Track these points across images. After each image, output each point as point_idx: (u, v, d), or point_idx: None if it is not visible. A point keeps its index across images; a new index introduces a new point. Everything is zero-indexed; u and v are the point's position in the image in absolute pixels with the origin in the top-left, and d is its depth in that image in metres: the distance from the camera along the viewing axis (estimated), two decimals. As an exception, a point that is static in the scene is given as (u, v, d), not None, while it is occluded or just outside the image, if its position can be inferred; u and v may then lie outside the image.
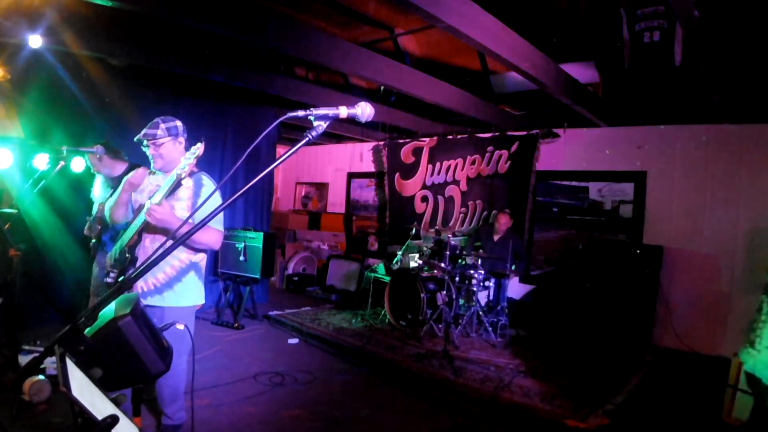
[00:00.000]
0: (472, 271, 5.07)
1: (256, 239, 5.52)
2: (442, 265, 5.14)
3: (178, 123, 2.54)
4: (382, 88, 5.52)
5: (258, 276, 5.50)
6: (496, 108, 5.60)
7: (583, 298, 5.29)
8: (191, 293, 2.60)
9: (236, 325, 5.24)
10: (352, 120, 1.26)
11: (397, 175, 7.44)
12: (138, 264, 2.44)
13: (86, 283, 3.90)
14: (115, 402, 1.13)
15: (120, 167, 3.60)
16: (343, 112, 1.23)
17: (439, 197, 6.98)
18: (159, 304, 2.51)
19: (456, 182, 6.78)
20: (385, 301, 5.45)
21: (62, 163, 3.66)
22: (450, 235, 5.31)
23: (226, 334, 4.99)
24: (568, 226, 5.88)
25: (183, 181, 2.41)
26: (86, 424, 0.87)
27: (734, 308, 4.75)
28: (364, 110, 1.26)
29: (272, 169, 1.31)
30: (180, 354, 2.66)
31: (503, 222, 5.57)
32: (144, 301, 2.52)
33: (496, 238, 5.64)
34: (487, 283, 5.35)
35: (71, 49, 3.51)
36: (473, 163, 6.59)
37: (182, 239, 1.20)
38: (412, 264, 5.90)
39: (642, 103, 4.99)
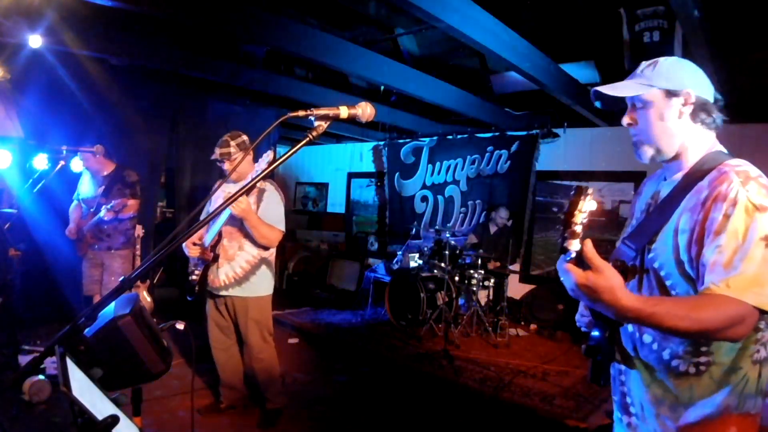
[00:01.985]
0: (472, 271, 5.07)
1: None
2: (442, 265, 5.14)
3: (245, 137, 2.96)
4: (382, 88, 5.52)
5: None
6: (496, 108, 5.60)
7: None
8: (265, 284, 2.99)
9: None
10: (352, 120, 1.25)
11: (397, 174, 7.44)
12: (220, 261, 2.89)
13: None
14: (115, 402, 1.13)
15: (109, 167, 3.85)
16: (344, 112, 1.22)
17: (439, 197, 6.98)
18: (241, 294, 2.92)
19: (456, 182, 6.78)
20: (385, 301, 5.45)
21: (62, 163, 3.67)
22: (449, 235, 5.31)
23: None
24: (568, 226, 5.88)
25: (258, 184, 2.83)
26: (86, 424, 0.87)
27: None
28: (365, 110, 1.25)
29: (272, 169, 1.31)
30: (266, 341, 3.06)
31: (503, 216, 5.75)
32: (227, 293, 2.93)
33: (492, 230, 5.71)
34: (486, 283, 5.35)
35: (71, 49, 3.51)
36: (473, 163, 6.59)
37: (181, 239, 1.20)
38: (412, 264, 5.90)
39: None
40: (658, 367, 1.23)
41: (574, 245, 1.06)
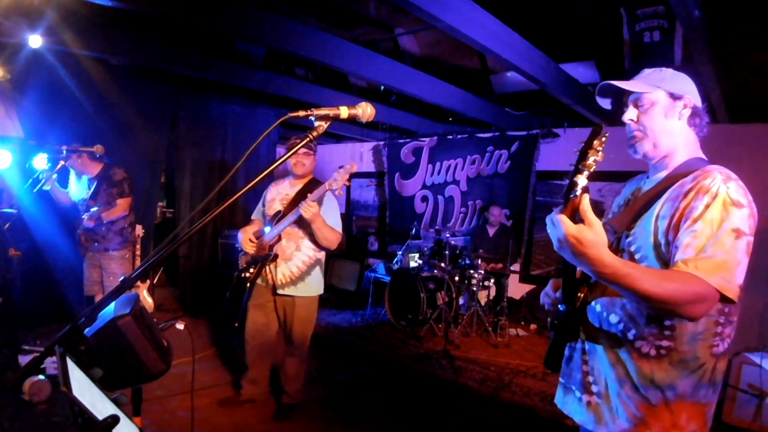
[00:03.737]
0: (472, 271, 5.07)
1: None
2: (442, 265, 5.14)
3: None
4: (382, 88, 5.52)
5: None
6: (496, 108, 5.60)
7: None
8: (317, 284, 3.11)
9: (236, 324, 5.23)
10: (352, 120, 1.25)
11: (397, 175, 7.44)
12: (271, 258, 2.96)
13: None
14: (115, 402, 1.13)
15: (96, 168, 3.77)
16: (344, 112, 1.23)
17: (439, 197, 6.99)
18: (292, 293, 3.02)
19: (456, 182, 6.78)
20: (385, 301, 5.45)
21: (62, 162, 3.66)
22: (449, 235, 5.31)
23: (226, 334, 4.99)
24: (568, 226, 5.88)
25: (327, 192, 2.91)
26: (87, 424, 0.87)
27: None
28: (365, 110, 1.25)
29: (272, 170, 1.30)
30: (305, 340, 3.14)
31: (496, 214, 5.68)
32: (282, 291, 3.04)
33: (491, 232, 5.71)
34: (487, 283, 5.35)
35: (71, 49, 3.51)
36: (473, 163, 6.59)
37: (183, 240, 1.20)
38: (412, 264, 5.90)
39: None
40: (623, 347, 1.30)
41: (581, 180, 1.10)
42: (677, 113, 1.32)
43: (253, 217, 3.27)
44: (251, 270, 3.00)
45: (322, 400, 3.57)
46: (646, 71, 1.38)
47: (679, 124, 1.33)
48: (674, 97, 1.32)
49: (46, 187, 3.64)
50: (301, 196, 2.86)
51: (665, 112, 1.32)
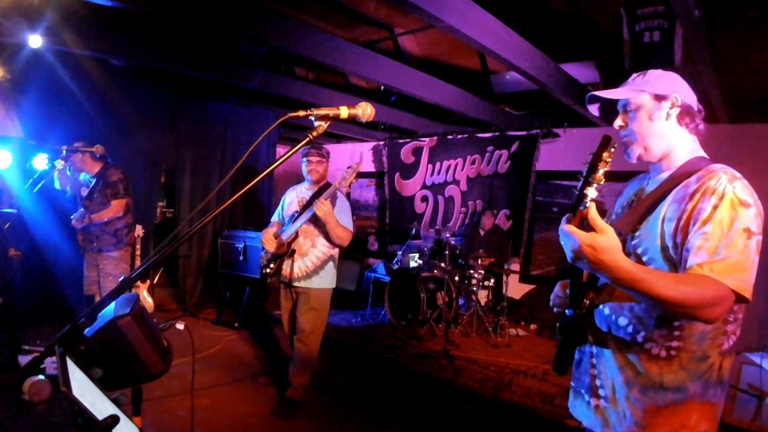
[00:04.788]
0: (471, 271, 5.07)
1: (256, 239, 5.52)
2: (442, 265, 5.14)
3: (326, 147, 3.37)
4: (382, 88, 5.52)
5: (258, 276, 5.50)
6: (496, 108, 5.60)
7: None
8: (330, 278, 3.31)
9: (236, 324, 5.24)
10: (352, 120, 1.25)
11: (397, 175, 7.44)
12: (289, 253, 3.19)
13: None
14: (116, 402, 1.13)
15: (97, 166, 3.81)
16: (344, 112, 1.22)
17: (439, 197, 6.99)
18: (307, 286, 3.23)
19: (456, 182, 6.78)
20: (385, 301, 5.45)
21: (62, 162, 3.66)
22: (449, 235, 5.31)
23: (226, 334, 4.99)
24: (568, 226, 5.88)
25: (339, 195, 3.16)
26: (86, 424, 0.87)
27: (734, 308, 4.73)
28: (365, 110, 1.25)
29: (272, 170, 1.30)
30: (315, 331, 3.32)
31: (486, 223, 5.81)
32: (298, 284, 3.23)
33: (482, 232, 5.75)
34: (486, 283, 5.35)
35: (71, 49, 3.51)
36: (473, 163, 6.59)
37: (183, 240, 1.21)
38: (412, 264, 5.90)
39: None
40: (632, 349, 1.29)
41: (591, 192, 1.09)
42: (663, 114, 1.31)
43: (272, 220, 3.47)
44: (271, 266, 3.22)
45: (322, 399, 3.57)
46: (633, 76, 1.39)
47: (668, 124, 1.32)
48: (659, 98, 1.31)
49: (58, 167, 3.67)
50: (315, 198, 3.10)
51: (649, 114, 1.32)
